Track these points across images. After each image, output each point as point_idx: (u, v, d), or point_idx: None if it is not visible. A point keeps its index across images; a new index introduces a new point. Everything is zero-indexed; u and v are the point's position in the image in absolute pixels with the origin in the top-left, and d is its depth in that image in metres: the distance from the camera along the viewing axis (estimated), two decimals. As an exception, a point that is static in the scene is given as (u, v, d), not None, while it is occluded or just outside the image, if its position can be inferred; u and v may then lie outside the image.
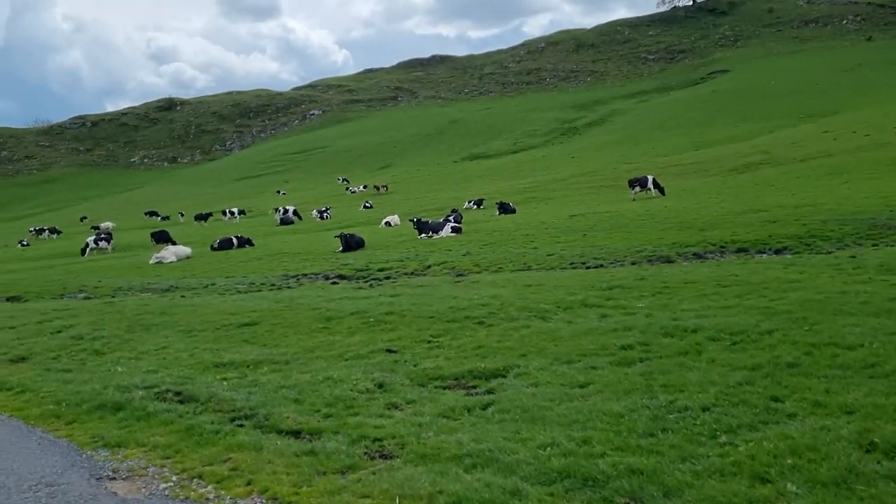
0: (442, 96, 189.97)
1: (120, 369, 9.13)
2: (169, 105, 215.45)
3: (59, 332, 12.41)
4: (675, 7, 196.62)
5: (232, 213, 67.67)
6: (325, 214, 59.28)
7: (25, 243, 63.79)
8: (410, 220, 31.99)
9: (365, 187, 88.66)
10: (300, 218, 59.65)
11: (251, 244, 36.51)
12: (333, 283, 18.76)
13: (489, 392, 7.18)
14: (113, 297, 21.32)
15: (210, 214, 71.02)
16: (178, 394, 7.94)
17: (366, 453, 5.85)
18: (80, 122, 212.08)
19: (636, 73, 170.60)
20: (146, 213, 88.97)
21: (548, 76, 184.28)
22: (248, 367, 8.86)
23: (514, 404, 6.53)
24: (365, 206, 66.17)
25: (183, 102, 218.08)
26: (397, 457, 5.71)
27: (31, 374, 9.60)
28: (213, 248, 35.70)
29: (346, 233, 29.17)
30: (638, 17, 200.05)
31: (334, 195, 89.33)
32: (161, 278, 25.99)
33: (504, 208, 39.95)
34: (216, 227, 60.74)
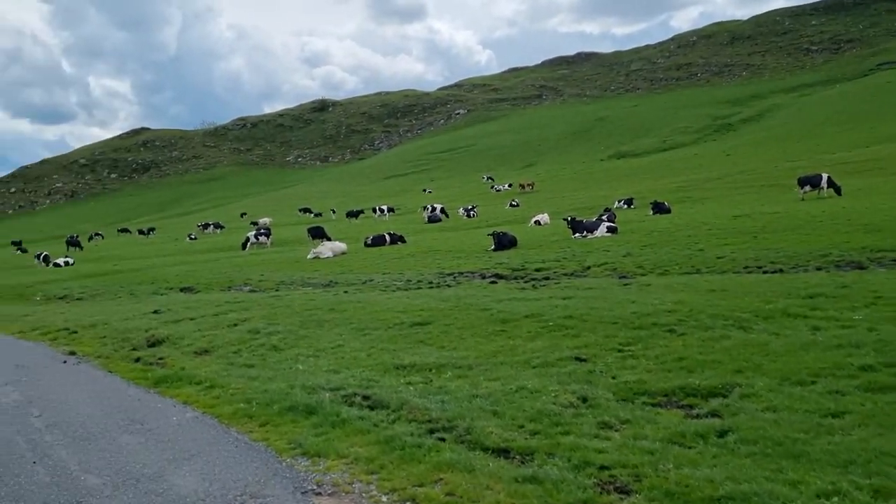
0: (587, 94, 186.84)
1: (301, 367, 9.17)
2: (322, 106, 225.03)
3: (236, 325, 12.84)
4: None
5: (382, 211, 69.27)
6: (471, 213, 59.39)
7: (193, 237, 68.17)
8: (564, 219, 31.22)
9: (510, 186, 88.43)
10: (447, 216, 60.12)
11: (403, 241, 36.96)
12: (492, 282, 18.41)
13: (714, 414, 6.43)
14: (277, 290, 22.02)
15: (361, 212, 72.98)
16: (366, 398, 7.73)
17: (597, 485, 5.23)
18: (242, 123, 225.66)
19: (797, 66, 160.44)
20: (300, 210, 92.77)
21: (699, 71, 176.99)
22: (430, 370, 8.60)
23: (759, 433, 5.73)
24: (511, 205, 65.83)
25: (335, 103, 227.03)
26: (636, 492, 5.07)
27: (216, 368, 9.86)
28: (366, 245, 36.42)
29: (498, 231, 28.82)
30: (799, 6, 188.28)
31: (479, 193, 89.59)
32: (319, 273, 26.69)
33: (659, 208, 38.34)
34: (367, 224, 62.34)
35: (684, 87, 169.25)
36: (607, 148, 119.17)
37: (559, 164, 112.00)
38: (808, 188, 36.46)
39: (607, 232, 28.54)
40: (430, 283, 19.53)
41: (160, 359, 11.30)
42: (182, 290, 24.62)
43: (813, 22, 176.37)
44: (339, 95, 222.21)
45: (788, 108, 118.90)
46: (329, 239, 44.91)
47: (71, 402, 9.35)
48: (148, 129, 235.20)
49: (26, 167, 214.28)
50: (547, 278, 18.92)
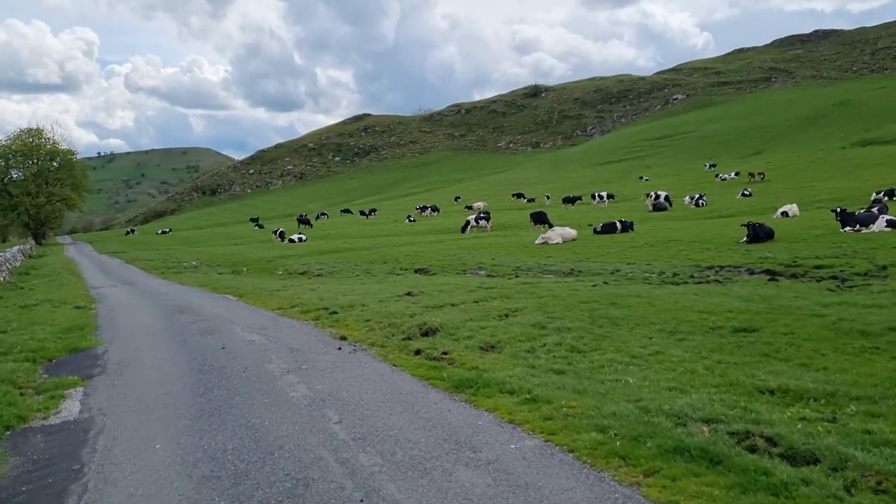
0: (824, 75, 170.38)
1: (631, 381, 7.50)
2: (534, 92, 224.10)
3: (507, 315, 11.69)
4: None
5: (601, 197, 66.93)
6: (700, 201, 55.58)
7: (412, 219, 69.74)
8: (832, 211, 27.53)
9: (737, 174, 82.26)
10: (671, 204, 56.81)
11: (633, 229, 34.82)
12: (772, 279, 15.99)
13: None
14: (516, 276, 20.93)
15: (578, 198, 71.06)
16: (771, 441, 5.53)
17: None
18: (456, 109, 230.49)
19: None
20: (513, 195, 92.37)
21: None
22: (816, 399, 6.52)
23: None
24: (743, 195, 60.96)
25: (547, 89, 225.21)
26: None
27: (519, 372, 8.48)
28: (596, 232, 34.65)
29: (754, 222, 25.90)
30: None
31: (701, 182, 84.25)
32: (553, 260, 25.36)
33: (940, 201, 33.01)
34: (584, 211, 60.35)
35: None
36: (849, 134, 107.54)
37: (792, 152, 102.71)
38: None
39: (886, 226, 24.69)
40: (693, 277, 17.43)
41: (444, 353, 10.16)
42: (416, 270, 24.30)
43: None
44: (549, 82, 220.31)
45: None
46: (551, 225, 43.63)
47: (368, 404, 8.27)
48: (369, 115, 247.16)
49: (262, 151, 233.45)
50: (834, 277, 16.18)
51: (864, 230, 24.88)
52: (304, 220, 74.63)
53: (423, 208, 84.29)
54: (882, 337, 8.22)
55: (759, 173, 77.40)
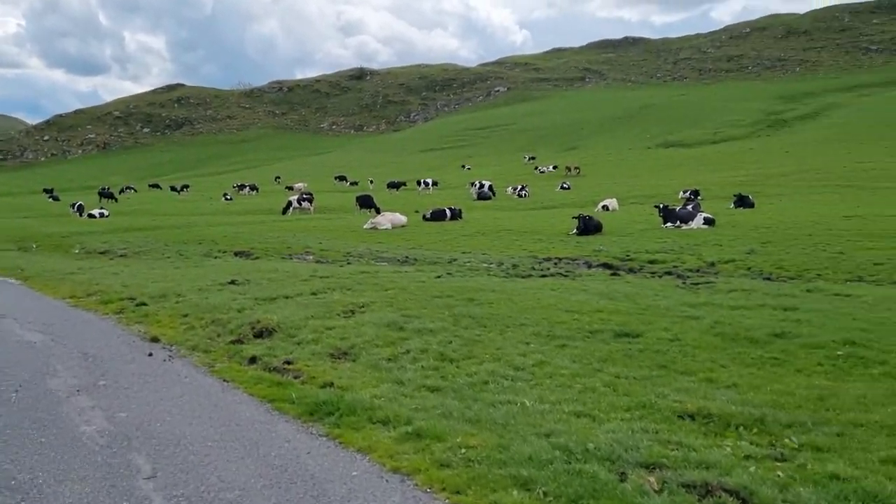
0: (632, 79, 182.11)
1: (527, 403, 5.98)
2: (359, 74, 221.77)
3: (353, 312, 9.88)
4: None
5: (426, 184, 66.64)
6: (523, 192, 56.65)
7: (229, 198, 65.90)
8: (655, 206, 28.40)
9: (555, 168, 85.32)
10: (494, 194, 57.49)
11: (462, 217, 34.36)
12: (614, 273, 15.63)
13: None
14: (347, 262, 19.43)
15: (403, 183, 70.43)
16: (737, 497, 4.26)
17: None
18: (278, 86, 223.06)
19: (855, 65, 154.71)
20: (336, 178, 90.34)
21: (750, 64, 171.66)
22: (744, 427, 5.39)
23: None
24: (562, 187, 63.09)
25: (372, 72, 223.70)
26: None
27: (385, 389, 6.71)
28: (425, 218, 33.79)
29: (584, 214, 26.06)
30: (861, 3, 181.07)
31: (522, 173, 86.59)
32: (385, 246, 24.13)
33: (742, 201, 35.30)
34: (410, 197, 59.68)
35: (734, 79, 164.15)
36: (654, 136, 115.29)
37: (604, 149, 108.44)
38: (913, 191, 33.13)
39: (704, 223, 25.68)
40: (534, 269, 16.78)
41: (287, 363, 7.97)
42: (237, 253, 22.11)
43: (874, 21, 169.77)
44: (373, 66, 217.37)
45: (847, 108, 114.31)
46: (378, 209, 42.44)
47: (194, 444, 5.89)
48: (183, 85, 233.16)
49: (60, 116, 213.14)
50: (669, 273, 16.15)
51: (684, 226, 25.73)
52: (106, 194, 68.12)
53: (241, 187, 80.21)
54: (771, 345, 7.57)
55: (575, 167, 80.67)
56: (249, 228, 32.30)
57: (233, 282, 13.31)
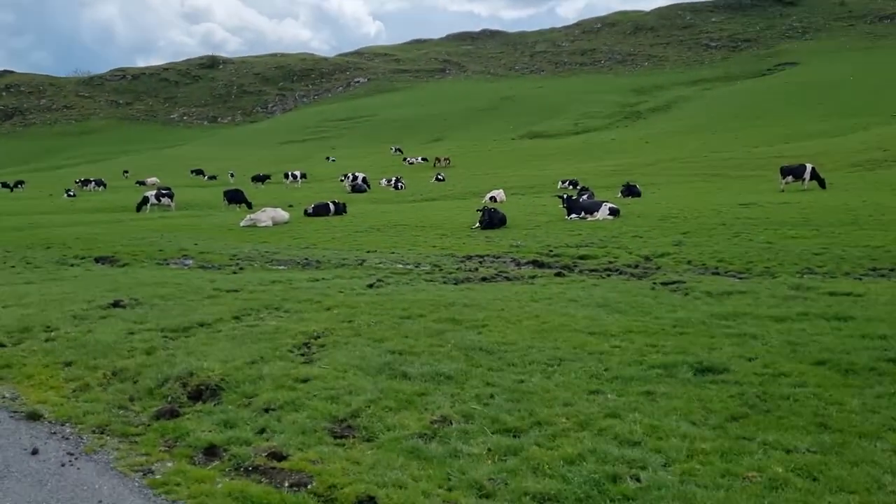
0: (491, 72, 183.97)
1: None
2: (211, 63, 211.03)
3: (309, 347, 6.80)
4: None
5: (294, 177, 63.18)
6: (398, 185, 54.69)
7: (72, 194, 59.69)
8: (559, 197, 27.17)
9: (424, 159, 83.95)
10: (369, 186, 55.23)
11: (346, 211, 31.98)
12: (559, 273, 13.88)
13: None
14: (239, 267, 16.69)
15: (268, 177, 66.57)
16: None
17: None
18: (121, 74, 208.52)
19: (697, 60, 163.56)
20: (192, 172, 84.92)
21: (603, 58, 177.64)
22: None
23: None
24: (437, 179, 61.77)
25: (226, 61, 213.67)
26: None
27: None
28: (307, 214, 31.11)
29: (489, 207, 24.45)
30: (701, 2, 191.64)
31: (390, 165, 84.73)
32: (272, 246, 21.49)
33: (630, 190, 34.94)
34: (278, 191, 56.32)
35: (588, 72, 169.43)
36: (517, 127, 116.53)
37: (470, 140, 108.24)
38: (790, 178, 33.98)
39: (609, 214, 24.71)
40: (471, 271, 14.76)
41: (273, 456, 4.93)
42: (98, 259, 18.70)
43: (713, 19, 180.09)
44: (223, 55, 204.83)
45: (695, 101, 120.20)
46: (249, 204, 39.21)
47: None
48: (11, 72, 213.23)
49: None
50: (618, 271, 14.67)
51: (590, 218, 24.67)
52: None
53: (86, 182, 73.31)
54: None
55: (445, 159, 79.65)
56: (106, 228, 28.40)
57: (116, 303, 9.95)
